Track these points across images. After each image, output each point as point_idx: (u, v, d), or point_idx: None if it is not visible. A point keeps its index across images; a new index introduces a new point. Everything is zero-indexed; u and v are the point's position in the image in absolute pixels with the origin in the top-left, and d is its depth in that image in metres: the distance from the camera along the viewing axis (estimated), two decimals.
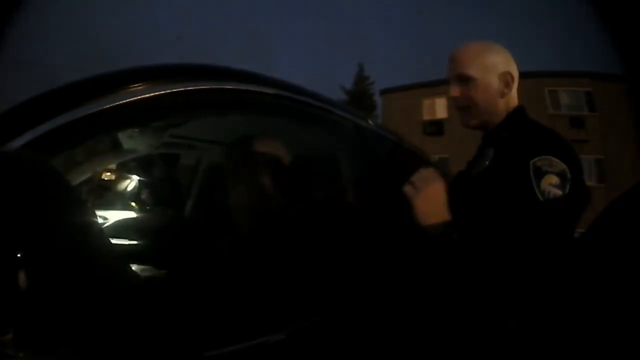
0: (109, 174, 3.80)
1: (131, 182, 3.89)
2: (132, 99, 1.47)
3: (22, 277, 0.98)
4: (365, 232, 2.05)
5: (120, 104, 1.44)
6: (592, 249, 1.78)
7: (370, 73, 38.54)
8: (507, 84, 1.72)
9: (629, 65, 1.64)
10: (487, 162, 1.69)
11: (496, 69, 1.72)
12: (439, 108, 26.80)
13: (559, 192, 1.45)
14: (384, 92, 31.59)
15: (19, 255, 0.99)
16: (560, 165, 1.48)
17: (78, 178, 2.17)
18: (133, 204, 3.87)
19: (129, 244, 2.97)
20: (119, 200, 3.78)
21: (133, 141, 2.49)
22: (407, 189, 1.67)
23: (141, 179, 3.92)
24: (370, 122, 2.46)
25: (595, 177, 20.70)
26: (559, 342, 1.52)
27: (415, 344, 1.82)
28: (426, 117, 27.65)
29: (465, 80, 1.72)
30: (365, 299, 1.88)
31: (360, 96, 35.72)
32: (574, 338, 1.57)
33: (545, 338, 1.49)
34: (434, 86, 25.29)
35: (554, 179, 1.46)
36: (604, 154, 21.16)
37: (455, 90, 1.75)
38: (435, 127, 26.72)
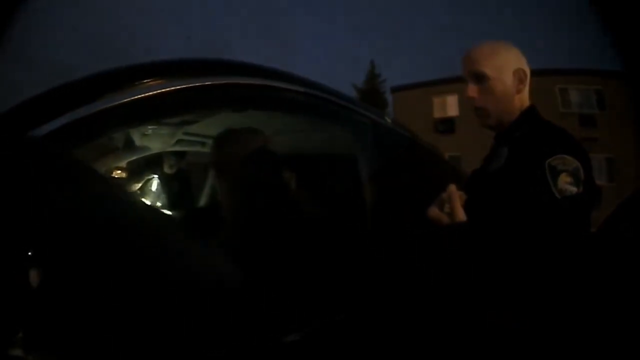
0: (119, 171, 3.81)
1: (144, 180, 3.90)
2: (147, 94, 1.46)
3: (33, 276, 0.99)
4: (381, 229, 2.05)
5: (135, 99, 1.42)
6: (596, 253, 1.79)
7: (382, 71, 38.39)
8: (521, 81, 1.76)
9: (630, 64, 1.65)
10: (502, 161, 1.71)
11: (510, 66, 1.75)
12: (450, 106, 26.73)
13: (574, 189, 1.47)
14: (395, 89, 31.49)
15: (31, 252, 1.00)
16: (574, 163, 1.51)
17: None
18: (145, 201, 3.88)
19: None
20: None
21: (147, 138, 2.51)
22: (435, 213, 1.65)
23: (154, 176, 3.93)
24: (387, 119, 2.47)
25: (605, 176, 20.57)
26: (560, 342, 1.52)
27: (416, 344, 1.83)
28: (437, 115, 27.56)
29: (480, 78, 1.75)
30: (375, 298, 1.89)
31: (371, 94, 35.49)
32: (574, 339, 1.57)
33: (545, 338, 1.50)
34: (445, 84, 25.26)
35: (570, 177, 1.48)
36: (614, 153, 20.96)
37: (472, 90, 1.78)
38: (446, 125, 26.63)
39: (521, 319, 1.50)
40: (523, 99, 1.78)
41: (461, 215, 1.57)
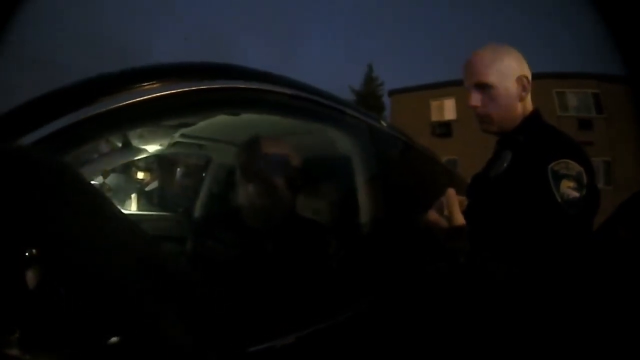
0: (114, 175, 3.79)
1: (140, 182, 3.89)
2: (143, 97, 1.46)
3: (29, 277, 0.98)
4: (378, 233, 2.05)
5: (131, 102, 1.43)
6: (594, 255, 1.79)
7: (379, 74, 38.32)
8: (524, 88, 1.74)
9: (631, 67, 1.65)
10: (505, 165, 1.71)
11: (512, 73, 1.73)
12: (448, 109, 26.79)
13: (576, 195, 1.48)
14: (393, 93, 31.50)
15: (27, 253, 0.99)
16: (577, 167, 1.51)
17: (88, 177, 2.17)
18: (142, 204, 3.88)
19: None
20: (127, 201, 3.79)
21: (143, 140, 2.50)
22: (434, 217, 1.59)
23: (151, 179, 3.92)
24: (382, 123, 2.46)
25: (602, 179, 20.58)
26: (560, 342, 1.52)
27: (419, 346, 1.82)
28: (434, 118, 27.58)
29: (483, 87, 1.74)
30: (376, 301, 1.89)
31: (368, 97, 35.47)
32: (574, 339, 1.57)
33: (546, 338, 1.50)
34: (443, 87, 25.32)
35: (572, 182, 1.49)
36: (612, 156, 21.00)
37: (475, 100, 1.76)
38: (444, 129, 26.66)
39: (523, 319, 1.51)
40: (526, 105, 1.77)
41: (460, 219, 1.56)
